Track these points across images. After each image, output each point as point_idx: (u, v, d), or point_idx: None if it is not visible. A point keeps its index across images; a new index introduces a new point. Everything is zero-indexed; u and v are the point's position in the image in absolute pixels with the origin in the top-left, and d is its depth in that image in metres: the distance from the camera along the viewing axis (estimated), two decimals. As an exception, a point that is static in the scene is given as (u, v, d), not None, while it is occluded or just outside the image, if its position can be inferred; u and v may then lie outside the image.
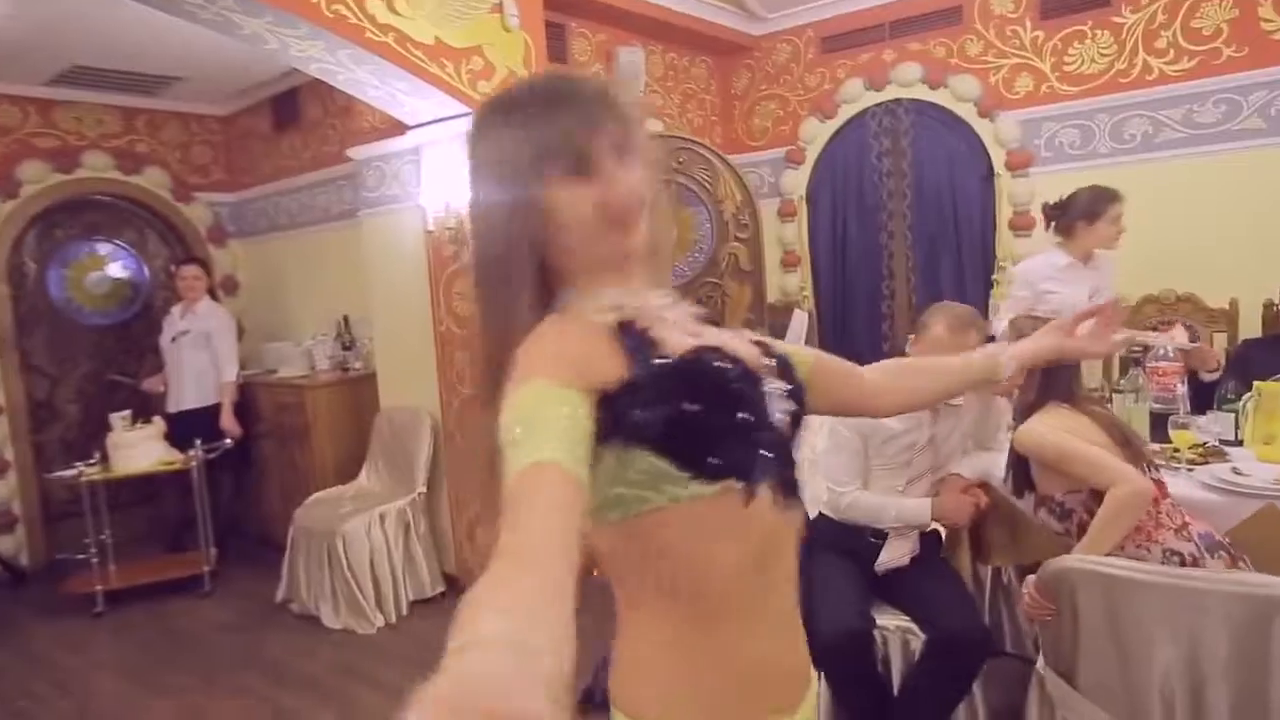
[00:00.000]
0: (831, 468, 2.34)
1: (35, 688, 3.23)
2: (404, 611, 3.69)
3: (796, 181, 5.04)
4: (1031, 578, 1.85)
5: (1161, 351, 2.80)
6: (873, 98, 4.71)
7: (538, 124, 0.84)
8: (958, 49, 4.45)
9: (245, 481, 4.77)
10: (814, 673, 0.98)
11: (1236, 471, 2.18)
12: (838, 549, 2.27)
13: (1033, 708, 1.89)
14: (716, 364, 0.83)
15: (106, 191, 5.10)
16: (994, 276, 4.40)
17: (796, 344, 1.24)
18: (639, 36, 4.64)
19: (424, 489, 3.86)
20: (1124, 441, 2.07)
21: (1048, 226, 3.21)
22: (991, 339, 2.25)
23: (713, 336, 0.88)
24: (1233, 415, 2.56)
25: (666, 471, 0.80)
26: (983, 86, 4.39)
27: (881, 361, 1.19)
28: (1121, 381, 2.68)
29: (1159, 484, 2.01)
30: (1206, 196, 3.77)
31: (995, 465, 2.34)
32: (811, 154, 4.98)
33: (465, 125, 3.73)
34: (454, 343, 3.77)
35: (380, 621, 3.58)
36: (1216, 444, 2.45)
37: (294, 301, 5.37)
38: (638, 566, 0.86)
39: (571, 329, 0.83)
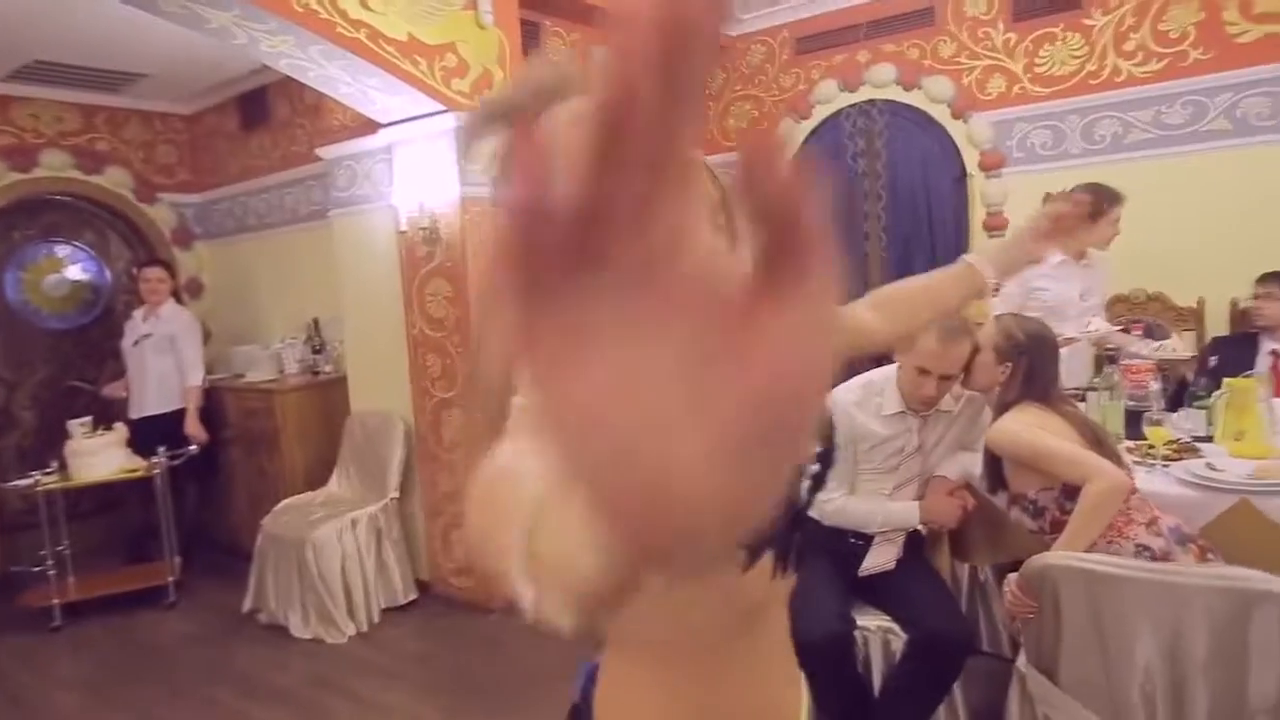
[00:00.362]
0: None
1: (-10, 704, 3.12)
2: (375, 620, 3.61)
3: (771, 183, 5.02)
4: (1013, 576, 1.84)
5: (1133, 349, 2.83)
6: (847, 98, 4.72)
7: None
8: (931, 50, 4.47)
9: (211, 489, 4.66)
10: (805, 699, 0.92)
11: (1211, 467, 2.19)
12: (821, 551, 2.25)
13: (1013, 705, 1.89)
14: None
15: (66, 191, 4.97)
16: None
17: None
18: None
19: (396, 494, 3.80)
20: (1095, 440, 2.08)
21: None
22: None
23: None
24: (1204, 412, 2.59)
25: None
26: (956, 88, 4.42)
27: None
28: (1097, 379, 2.69)
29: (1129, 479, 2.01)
30: (1175, 197, 3.81)
31: (974, 464, 2.34)
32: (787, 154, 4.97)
33: (440, 123, 3.66)
34: (427, 345, 3.71)
35: (351, 630, 3.50)
36: (1190, 440, 2.47)
37: (262, 304, 5.26)
38: (622, 616, 0.80)
39: None
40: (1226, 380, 2.55)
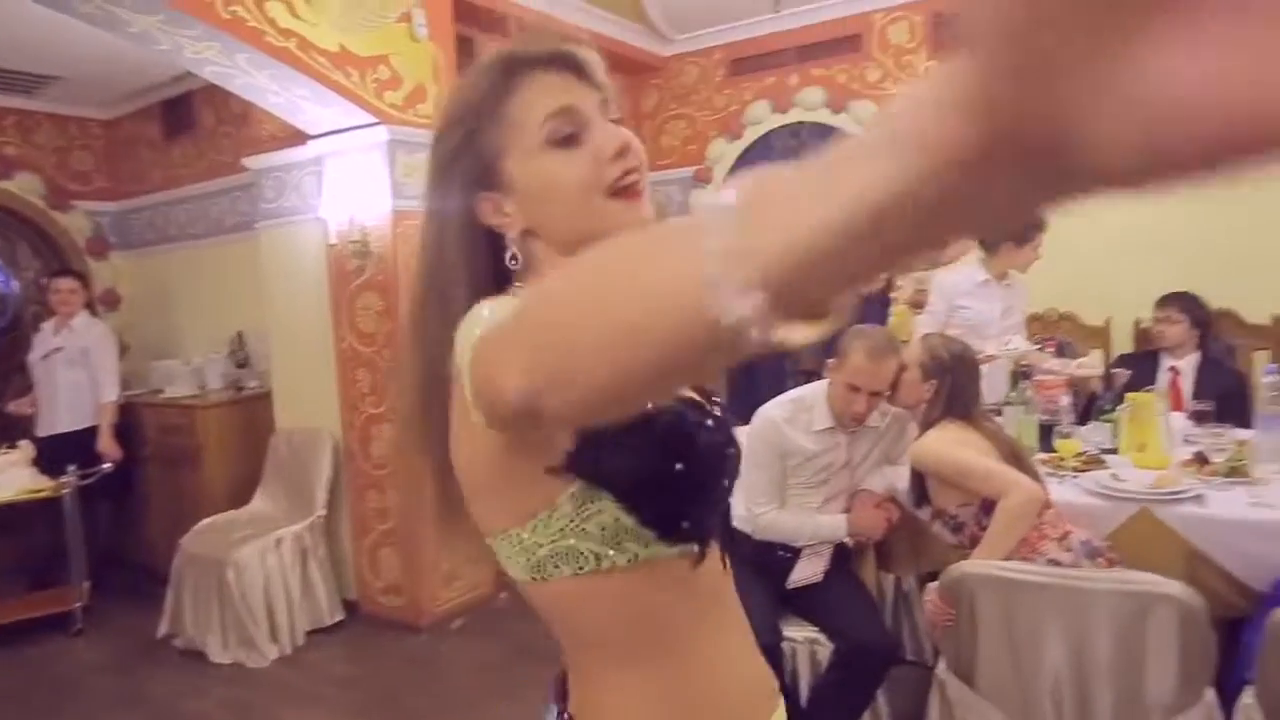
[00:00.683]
0: (749, 486, 2.36)
1: (-124, 742, 2.92)
2: (300, 642, 3.51)
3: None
4: (933, 585, 1.91)
5: (1047, 366, 2.96)
6: (778, 120, 4.84)
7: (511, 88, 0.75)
8: (858, 75, 4.63)
9: (126, 509, 4.47)
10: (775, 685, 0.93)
11: (1115, 477, 2.31)
12: (750, 565, 2.28)
13: (933, 711, 1.94)
14: (702, 422, 0.77)
15: (-30, 197, 4.73)
16: (892, 295, 4.56)
17: None
18: (549, 53, 4.63)
19: (324, 511, 3.70)
20: (1013, 455, 2.18)
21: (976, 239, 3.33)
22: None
23: None
24: (1110, 425, 2.73)
25: (629, 528, 0.73)
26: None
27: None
28: (1012, 394, 2.81)
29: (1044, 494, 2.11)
30: (1084, 223, 4.01)
31: (899, 478, 2.41)
32: (719, 173, 5.08)
33: (372, 135, 3.61)
34: (357, 360, 3.65)
35: (274, 654, 3.39)
36: (1098, 452, 2.60)
37: (183, 317, 5.09)
38: (585, 620, 0.78)
39: None
40: (1129, 395, 2.70)
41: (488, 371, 0.56)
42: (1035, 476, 2.15)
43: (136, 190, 5.21)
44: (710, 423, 0.77)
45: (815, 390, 2.35)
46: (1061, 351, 3.74)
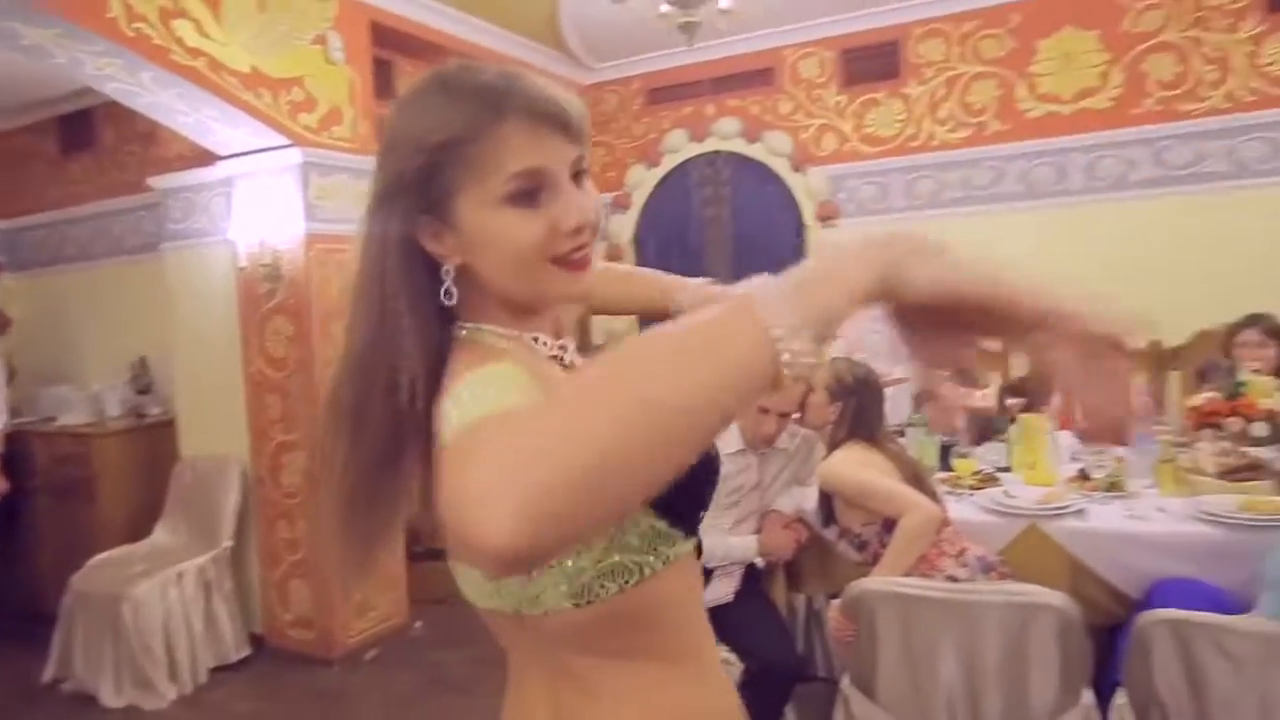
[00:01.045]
0: None
1: None
2: (202, 680, 3.36)
3: (623, 226, 5.20)
4: (836, 601, 1.98)
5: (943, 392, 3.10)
6: (695, 148, 4.96)
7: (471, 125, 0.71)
8: (771, 107, 4.79)
9: (11, 545, 4.20)
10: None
11: (1007, 494, 2.44)
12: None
13: (839, 725, 2.01)
14: None
15: None
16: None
17: None
18: (469, 78, 4.64)
19: (230, 543, 3.58)
20: (914, 477, 2.28)
21: None
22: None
23: None
24: (1004, 445, 2.88)
25: (663, 532, 0.74)
26: (794, 143, 4.74)
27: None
28: (914, 417, 2.93)
29: (943, 513, 2.21)
30: (981, 251, 4.24)
31: (808, 499, 2.49)
32: (638, 200, 5.16)
33: (285, 157, 3.56)
34: (267, 386, 3.55)
35: (173, 694, 3.23)
36: (993, 471, 2.74)
37: (79, 341, 4.85)
38: (619, 643, 0.76)
39: (528, 358, 0.75)
40: (1021, 415, 2.86)
41: (463, 515, 0.48)
42: (935, 496, 2.26)
43: (29, 208, 4.96)
44: None
45: (726, 414, 2.41)
46: (963, 378, 3.93)
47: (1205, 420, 2.67)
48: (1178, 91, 3.93)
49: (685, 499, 0.74)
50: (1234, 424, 2.59)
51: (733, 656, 2.25)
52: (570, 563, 0.70)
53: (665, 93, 5.06)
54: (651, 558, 0.73)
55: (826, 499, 2.33)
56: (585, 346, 0.94)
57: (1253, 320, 3.12)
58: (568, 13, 4.49)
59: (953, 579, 2.07)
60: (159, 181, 3.82)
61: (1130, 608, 2.10)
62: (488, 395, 0.61)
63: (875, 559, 2.18)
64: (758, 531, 2.44)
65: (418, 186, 0.71)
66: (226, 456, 3.66)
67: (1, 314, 4.96)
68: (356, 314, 0.75)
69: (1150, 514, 2.28)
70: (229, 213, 3.58)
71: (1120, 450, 2.75)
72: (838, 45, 4.59)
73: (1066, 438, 3.02)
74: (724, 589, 2.38)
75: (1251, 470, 2.42)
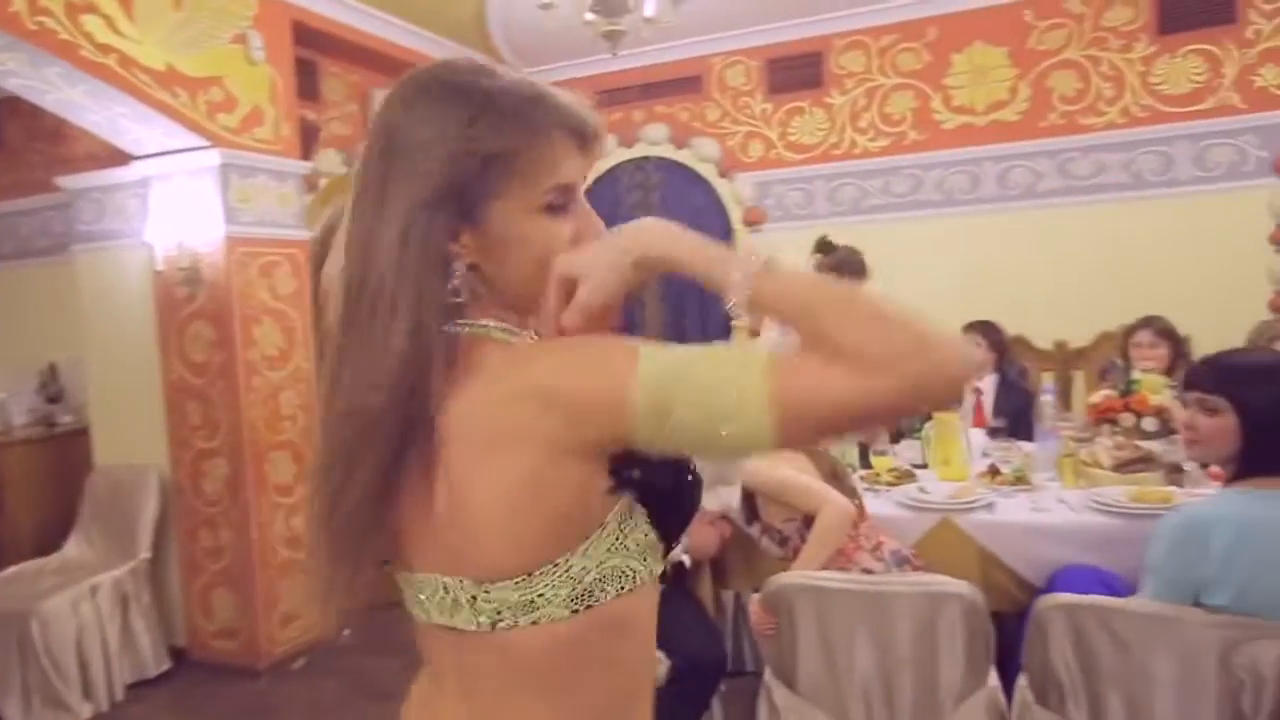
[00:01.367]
0: None
1: None
2: (119, 697, 3.25)
3: (556, 230, 5.21)
4: (756, 595, 2.04)
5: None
6: (624, 154, 5.01)
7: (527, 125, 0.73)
8: (699, 114, 4.88)
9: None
10: None
11: (922, 490, 2.55)
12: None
13: (762, 715, 2.07)
14: None
15: None
16: (733, 323, 4.82)
17: None
18: (394, 79, 4.56)
19: (148, 554, 3.47)
20: (832, 474, 2.36)
21: (818, 267, 3.54)
22: None
23: None
24: (920, 442, 3.00)
25: (653, 544, 0.74)
26: (721, 149, 4.84)
27: None
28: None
29: (860, 509, 2.30)
30: (902, 256, 4.39)
31: (731, 496, 2.56)
32: (569, 204, 5.18)
33: (203, 158, 3.47)
34: (188, 392, 3.46)
35: (88, 712, 3.12)
36: (910, 467, 2.85)
37: (-18, 347, 4.63)
38: (595, 664, 0.74)
39: None
40: (935, 414, 2.99)
41: (816, 401, 0.62)
42: (853, 492, 2.34)
43: (-73, 207, 4.71)
44: None
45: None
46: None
47: (1102, 416, 2.84)
48: (1079, 106, 4.15)
49: (676, 516, 0.75)
50: (1127, 419, 2.76)
51: (660, 654, 2.30)
52: (576, 561, 0.70)
53: (594, 99, 5.07)
54: (642, 566, 0.73)
55: (749, 497, 2.40)
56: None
57: (1146, 322, 3.33)
58: (495, 16, 4.49)
59: (869, 571, 2.15)
60: (68, 181, 3.69)
61: (1034, 595, 2.22)
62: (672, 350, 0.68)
63: (796, 554, 2.26)
64: (683, 530, 2.49)
65: (462, 191, 0.71)
66: (144, 466, 3.55)
67: (-105, 319, 4.70)
68: (376, 322, 0.70)
69: (1052, 506, 2.41)
70: (145, 214, 3.48)
71: (1028, 446, 2.91)
72: (763, 55, 4.71)
73: (979, 435, 3.17)
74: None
75: (1143, 462, 2.59)
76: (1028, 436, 3.06)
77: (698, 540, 2.45)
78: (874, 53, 4.49)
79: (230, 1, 3.29)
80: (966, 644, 1.81)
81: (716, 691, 2.31)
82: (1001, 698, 1.87)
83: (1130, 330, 3.38)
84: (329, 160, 4.22)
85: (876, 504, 2.49)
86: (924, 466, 2.89)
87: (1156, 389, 2.81)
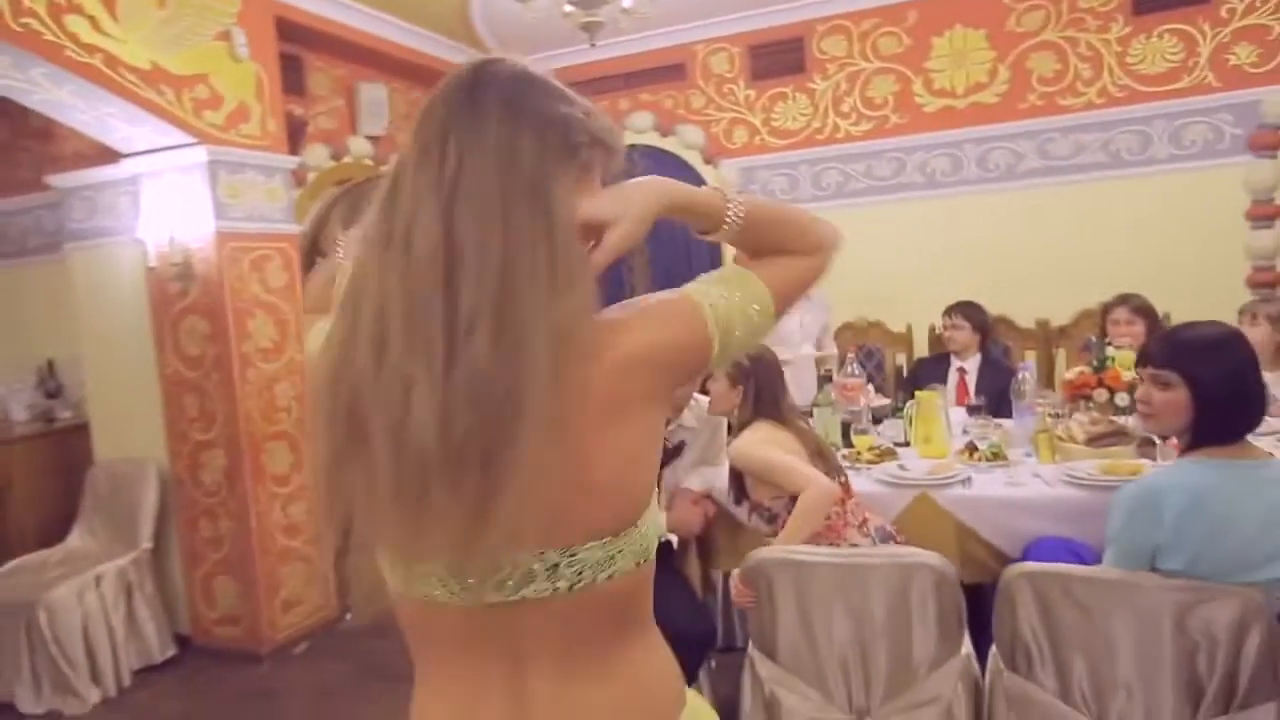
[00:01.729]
0: None
1: None
2: (126, 683, 3.33)
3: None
4: (736, 570, 2.12)
5: (849, 370, 3.29)
6: (611, 142, 5.05)
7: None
8: (684, 101, 4.92)
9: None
10: None
11: (902, 467, 2.62)
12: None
13: (746, 686, 2.14)
14: None
15: None
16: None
17: None
18: (380, 73, 4.63)
19: (150, 544, 3.54)
20: (817, 452, 2.43)
21: None
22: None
23: None
24: (902, 421, 3.07)
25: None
26: (706, 136, 4.88)
27: None
28: (819, 397, 3.10)
29: (845, 486, 2.37)
30: (886, 238, 4.46)
31: (718, 478, 2.63)
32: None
33: (191, 155, 3.51)
34: (184, 386, 3.52)
35: (96, 697, 3.21)
36: (891, 445, 2.93)
37: (-22, 345, 4.68)
38: (643, 597, 0.90)
39: None
40: (917, 393, 3.06)
41: (792, 284, 0.88)
42: (838, 470, 2.41)
43: (-82, 207, 4.74)
44: None
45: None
46: (868, 356, 4.14)
47: (1077, 392, 2.91)
48: (1058, 87, 4.20)
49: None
50: (1101, 395, 2.83)
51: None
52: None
53: (579, 87, 4.93)
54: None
55: (737, 477, 2.46)
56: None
57: (1122, 299, 3.39)
58: (479, 6, 4.51)
59: (854, 546, 2.23)
60: (59, 180, 3.72)
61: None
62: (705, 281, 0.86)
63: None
64: (667, 509, 2.56)
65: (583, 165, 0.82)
66: (143, 459, 3.62)
67: (-109, 319, 4.74)
68: (508, 290, 0.70)
69: (1027, 480, 2.48)
70: (136, 211, 3.52)
71: (1006, 423, 2.98)
72: (745, 41, 4.74)
73: (959, 413, 3.24)
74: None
75: (1117, 436, 2.66)
76: (1009, 414, 3.13)
77: (682, 518, 2.52)
78: (855, 37, 4.53)
79: (214, -1, 3.32)
80: (938, 613, 1.88)
81: (704, 665, 2.38)
82: (975, 665, 1.95)
83: (1107, 307, 3.44)
84: (316, 154, 4.26)
85: (858, 481, 2.55)
86: (906, 444, 2.96)
87: (1129, 365, 2.88)
